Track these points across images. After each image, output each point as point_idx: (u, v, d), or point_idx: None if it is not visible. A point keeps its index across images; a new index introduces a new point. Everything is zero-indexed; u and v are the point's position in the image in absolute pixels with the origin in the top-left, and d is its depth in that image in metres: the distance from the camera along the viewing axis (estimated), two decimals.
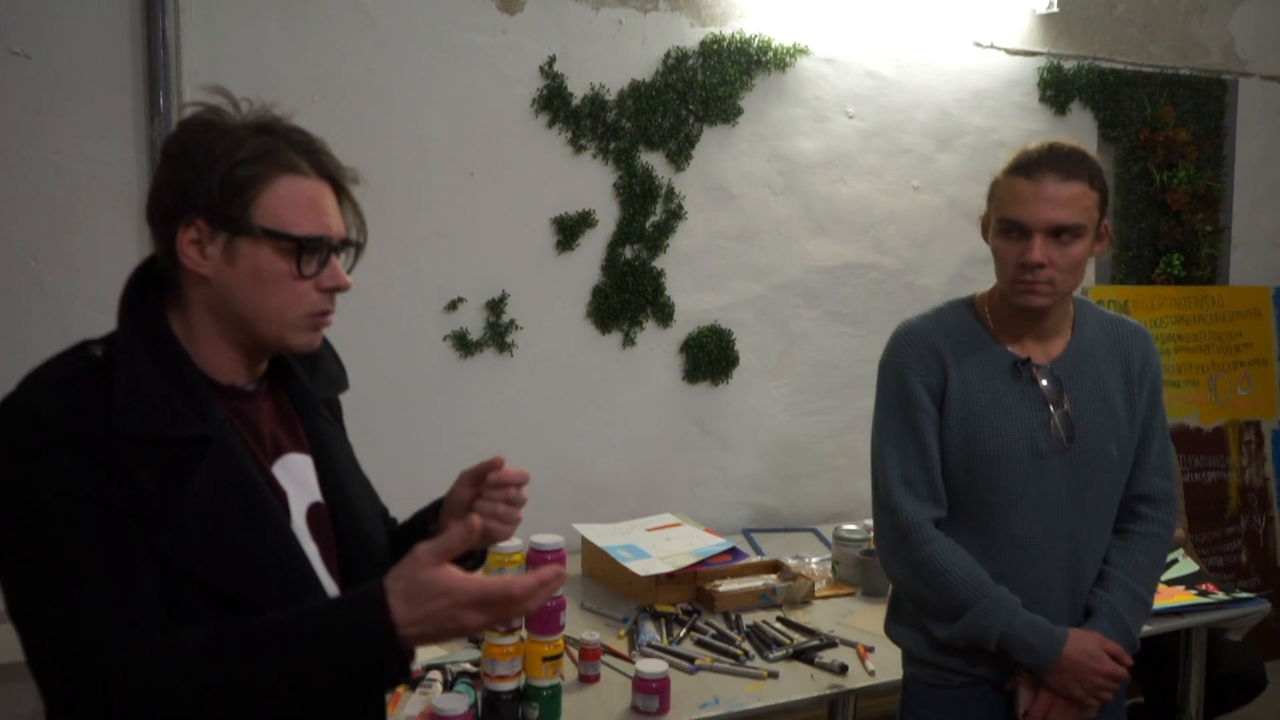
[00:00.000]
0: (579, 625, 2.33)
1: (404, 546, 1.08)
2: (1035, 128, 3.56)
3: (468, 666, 2.08)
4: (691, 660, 2.21)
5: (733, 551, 2.69)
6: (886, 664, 2.19)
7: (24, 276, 2.41)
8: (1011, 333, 1.77)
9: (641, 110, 2.99)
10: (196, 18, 2.48)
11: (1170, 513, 1.84)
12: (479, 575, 1.02)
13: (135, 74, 2.45)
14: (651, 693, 1.98)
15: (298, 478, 1.22)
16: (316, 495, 1.24)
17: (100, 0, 2.41)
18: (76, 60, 2.41)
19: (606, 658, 2.19)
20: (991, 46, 3.50)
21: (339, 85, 2.65)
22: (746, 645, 2.31)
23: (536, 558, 1.90)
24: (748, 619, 2.45)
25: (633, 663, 2.12)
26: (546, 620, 1.91)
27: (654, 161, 3.03)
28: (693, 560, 2.58)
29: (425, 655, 2.17)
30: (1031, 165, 1.67)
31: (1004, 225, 1.69)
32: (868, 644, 2.30)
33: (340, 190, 1.19)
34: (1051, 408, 1.74)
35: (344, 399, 1.40)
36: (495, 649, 1.88)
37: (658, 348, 3.13)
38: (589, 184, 2.97)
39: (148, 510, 1.04)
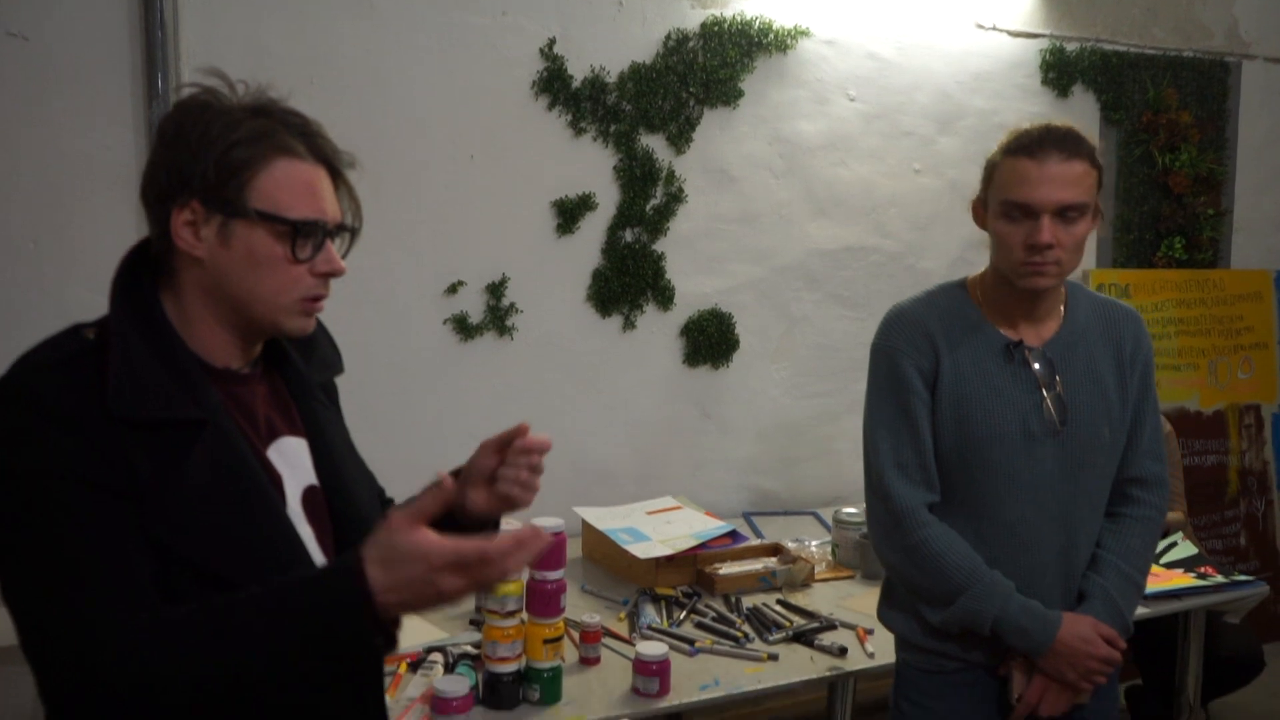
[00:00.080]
0: (579, 608, 2.34)
1: None
2: (1037, 110, 3.54)
3: (469, 649, 2.09)
4: (692, 642, 2.22)
5: (733, 534, 2.70)
6: (886, 646, 2.19)
7: (22, 260, 2.41)
8: (1004, 315, 1.76)
9: (642, 93, 2.97)
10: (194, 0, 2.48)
11: (1162, 495, 1.84)
12: (455, 538, 0.99)
13: (133, 56, 2.44)
14: (652, 675, 1.99)
15: (293, 461, 1.21)
16: (312, 478, 1.23)
17: None
18: (74, 42, 2.40)
19: (607, 640, 2.20)
20: (993, 28, 3.48)
21: (337, 67, 2.64)
22: (746, 628, 2.32)
23: None
24: (748, 602, 2.45)
25: (633, 645, 2.13)
26: (547, 603, 1.91)
27: (654, 144, 3.02)
28: (693, 543, 2.58)
29: (426, 637, 2.18)
30: (1034, 146, 1.65)
31: (1008, 207, 1.67)
32: (867, 627, 2.31)
33: (336, 174, 1.18)
34: (1044, 390, 1.73)
35: (343, 382, 1.40)
36: (496, 631, 1.88)
37: (658, 331, 3.12)
38: (589, 167, 2.96)
39: (141, 493, 1.04)
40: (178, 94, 1.15)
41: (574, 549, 2.70)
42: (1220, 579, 2.60)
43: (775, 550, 2.71)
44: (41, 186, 2.41)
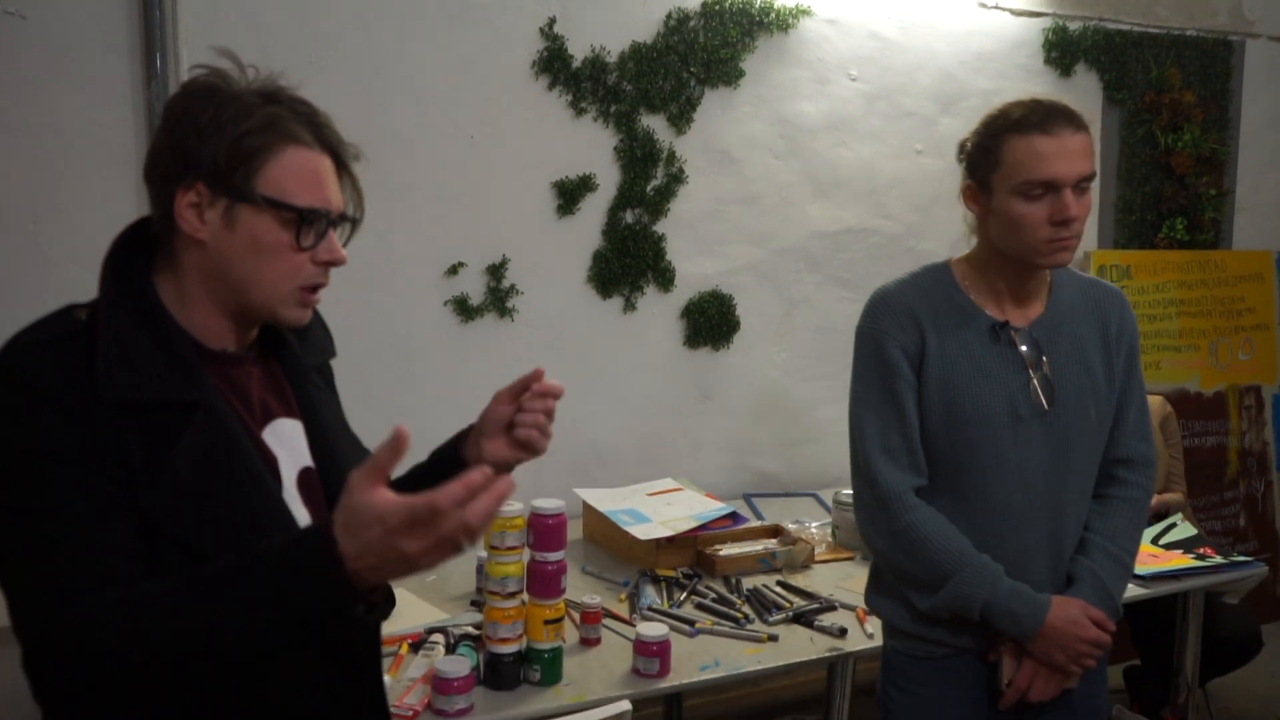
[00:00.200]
0: (580, 589, 2.35)
1: (432, 481, 1.02)
2: (1040, 90, 3.51)
3: (470, 629, 2.10)
4: (692, 623, 2.22)
5: (733, 516, 2.70)
6: None
7: (21, 238, 2.40)
8: (990, 296, 1.75)
9: (642, 73, 2.96)
10: None
11: (1149, 476, 1.83)
12: (409, 496, 0.94)
13: (131, 34, 2.42)
14: (652, 655, 1.99)
15: (288, 443, 1.21)
16: (307, 460, 1.23)
17: None
18: (72, 20, 2.38)
19: (607, 621, 2.20)
20: (996, 7, 3.46)
21: (337, 47, 2.63)
22: (747, 609, 2.32)
23: (537, 522, 1.90)
24: (748, 583, 2.46)
25: (633, 626, 2.14)
26: (548, 584, 1.92)
27: (655, 125, 3.01)
28: (693, 525, 2.59)
29: (428, 618, 2.18)
30: (1046, 121, 1.63)
31: (1028, 187, 1.63)
32: (866, 608, 2.31)
33: (341, 164, 1.18)
34: (1030, 371, 1.71)
35: (344, 363, 1.40)
36: (497, 612, 1.89)
37: (658, 313, 3.12)
38: (589, 147, 2.95)
39: (133, 475, 1.03)
40: (178, 73, 1.15)
41: (574, 530, 2.70)
42: (1219, 560, 2.61)
43: (775, 532, 2.71)
44: (39, 165, 2.40)
